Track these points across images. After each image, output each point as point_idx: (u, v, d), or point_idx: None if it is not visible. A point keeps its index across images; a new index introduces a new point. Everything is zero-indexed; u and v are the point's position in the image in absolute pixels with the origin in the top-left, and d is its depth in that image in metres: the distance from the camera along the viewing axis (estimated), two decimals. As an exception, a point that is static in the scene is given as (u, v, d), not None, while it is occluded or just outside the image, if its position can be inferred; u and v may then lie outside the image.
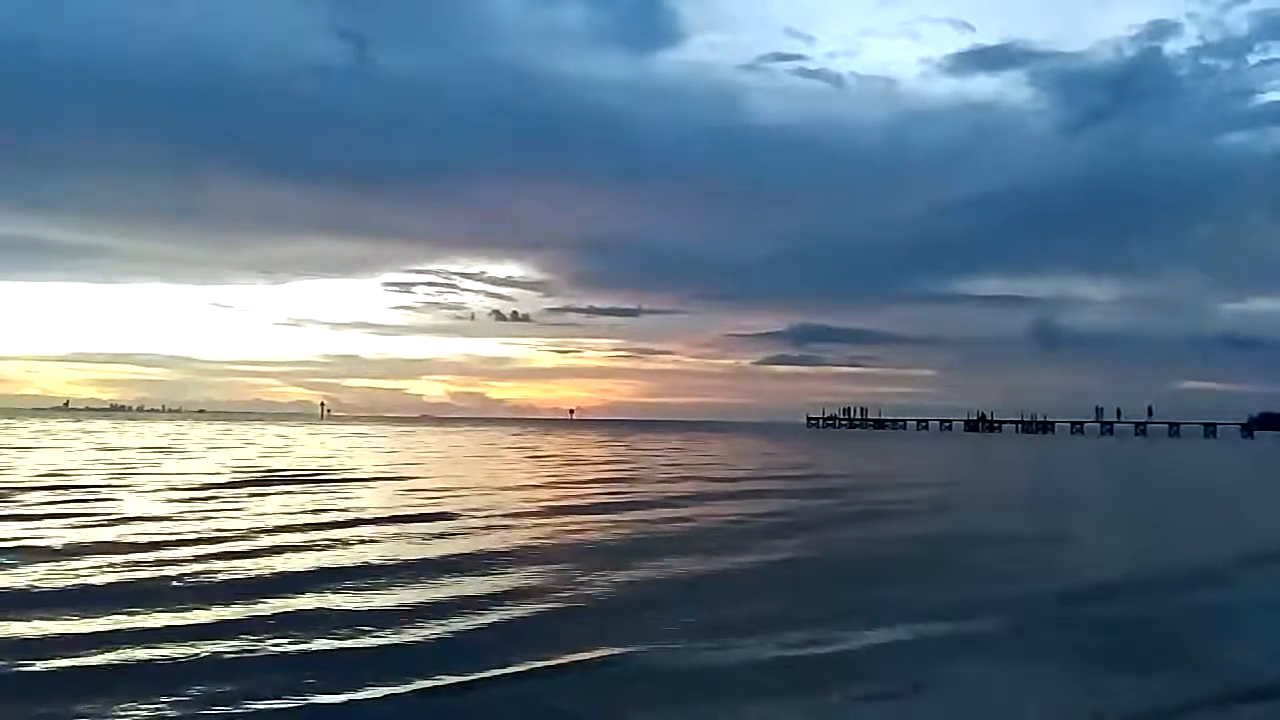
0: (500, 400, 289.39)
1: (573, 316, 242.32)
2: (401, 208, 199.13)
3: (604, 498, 18.26)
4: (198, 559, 10.19)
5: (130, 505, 15.38)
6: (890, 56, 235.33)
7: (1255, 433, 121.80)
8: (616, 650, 6.71)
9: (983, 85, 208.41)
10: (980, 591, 9.29)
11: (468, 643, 6.98)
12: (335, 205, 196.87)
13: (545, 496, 18.39)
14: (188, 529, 12.57)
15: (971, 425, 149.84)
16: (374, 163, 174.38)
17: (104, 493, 17.31)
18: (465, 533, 12.85)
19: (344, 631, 7.15)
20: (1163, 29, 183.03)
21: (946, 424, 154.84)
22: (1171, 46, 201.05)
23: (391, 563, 10.11)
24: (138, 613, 7.58)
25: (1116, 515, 18.52)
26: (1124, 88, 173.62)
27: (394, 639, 7.00)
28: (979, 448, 64.73)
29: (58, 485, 18.76)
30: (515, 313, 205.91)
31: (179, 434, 58.00)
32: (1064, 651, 7.08)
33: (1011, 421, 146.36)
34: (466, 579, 9.30)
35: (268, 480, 21.32)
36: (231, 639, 6.85)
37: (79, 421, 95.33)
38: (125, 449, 35.84)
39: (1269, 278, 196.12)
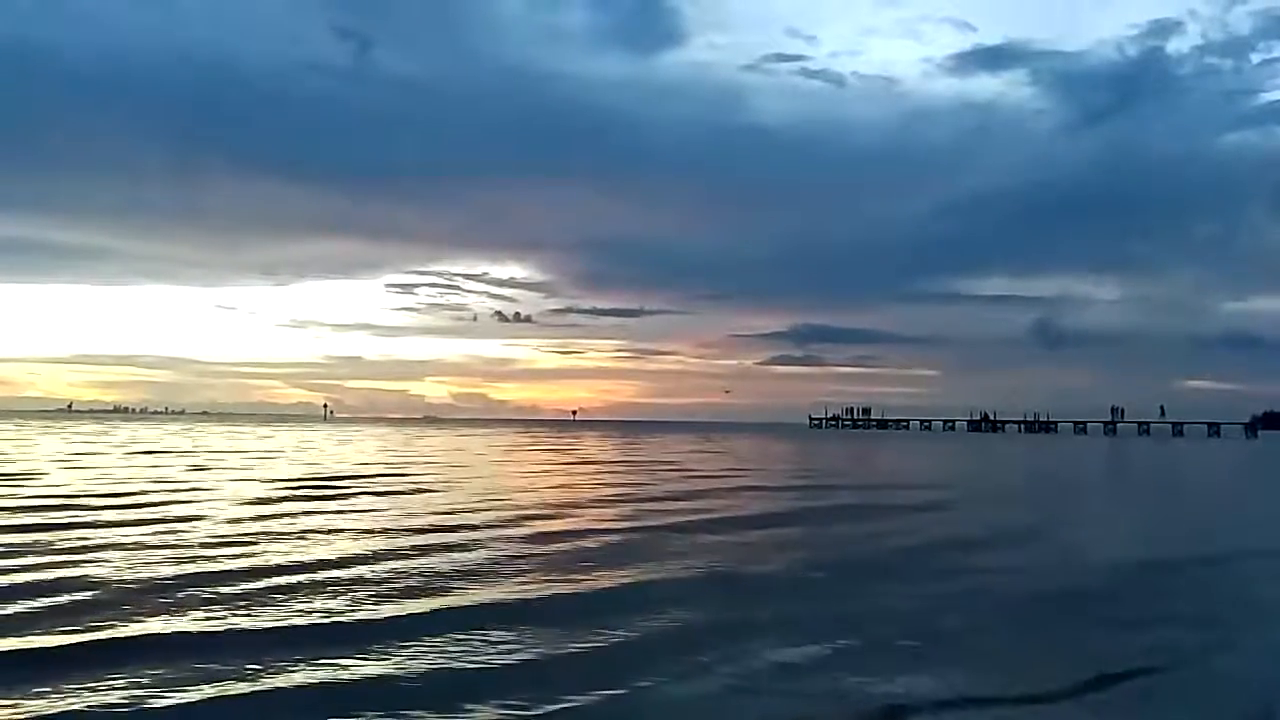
0: (503, 401, 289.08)
1: (575, 317, 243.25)
2: (403, 209, 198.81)
3: (701, 512, 17.85)
4: (340, 585, 9.62)
5: (214, 520, 14.80)
6: (892, 56, 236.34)
7: (1259, 432, 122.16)
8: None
9: (984, 85, 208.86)
10: None
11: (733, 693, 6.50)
12: (337, 206, 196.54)
13: (643, 509, 17.68)
14: (316, 549, 12.05)
15: (975, 425, 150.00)
16: (376, 163, 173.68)
17: (176, 508, 16.68)
18: (612, 549, 12.33)
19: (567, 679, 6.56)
20: (1164, 28, 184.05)
21: (950, 424, 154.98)
22: (1174, 45, 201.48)
23: (573, 594, 9.53)
24: (315, 655, 6.94)
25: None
26: (1126, 87, 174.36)
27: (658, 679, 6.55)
28: (1015, 449, 64.62)
29: (115, 493, 18.42)
30: (517, 314, 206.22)
31: (199, 436, 57.45)
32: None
33: (1014, 421, 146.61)
34: (675, 610, 8.69)
35: (340, 491, 20.88)
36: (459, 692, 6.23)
37: (88, 424, 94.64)
38: (158, 453, 35.50)
39: (1271, 276, 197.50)
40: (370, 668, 6.65)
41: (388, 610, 8.47)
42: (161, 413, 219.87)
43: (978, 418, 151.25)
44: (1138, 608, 9.43)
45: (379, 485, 22.45)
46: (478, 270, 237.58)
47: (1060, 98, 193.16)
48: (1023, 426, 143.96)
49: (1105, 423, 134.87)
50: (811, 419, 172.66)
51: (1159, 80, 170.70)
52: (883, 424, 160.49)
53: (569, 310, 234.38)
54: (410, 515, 15.95)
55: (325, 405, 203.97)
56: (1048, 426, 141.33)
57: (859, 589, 10.08)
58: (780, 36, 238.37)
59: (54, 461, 29.45)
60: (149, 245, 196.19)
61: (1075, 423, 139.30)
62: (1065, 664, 7.12)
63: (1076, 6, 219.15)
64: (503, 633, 7.63)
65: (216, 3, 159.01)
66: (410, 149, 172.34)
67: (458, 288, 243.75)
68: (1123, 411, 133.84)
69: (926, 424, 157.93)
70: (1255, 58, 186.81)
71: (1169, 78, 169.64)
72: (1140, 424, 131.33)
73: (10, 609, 8.12)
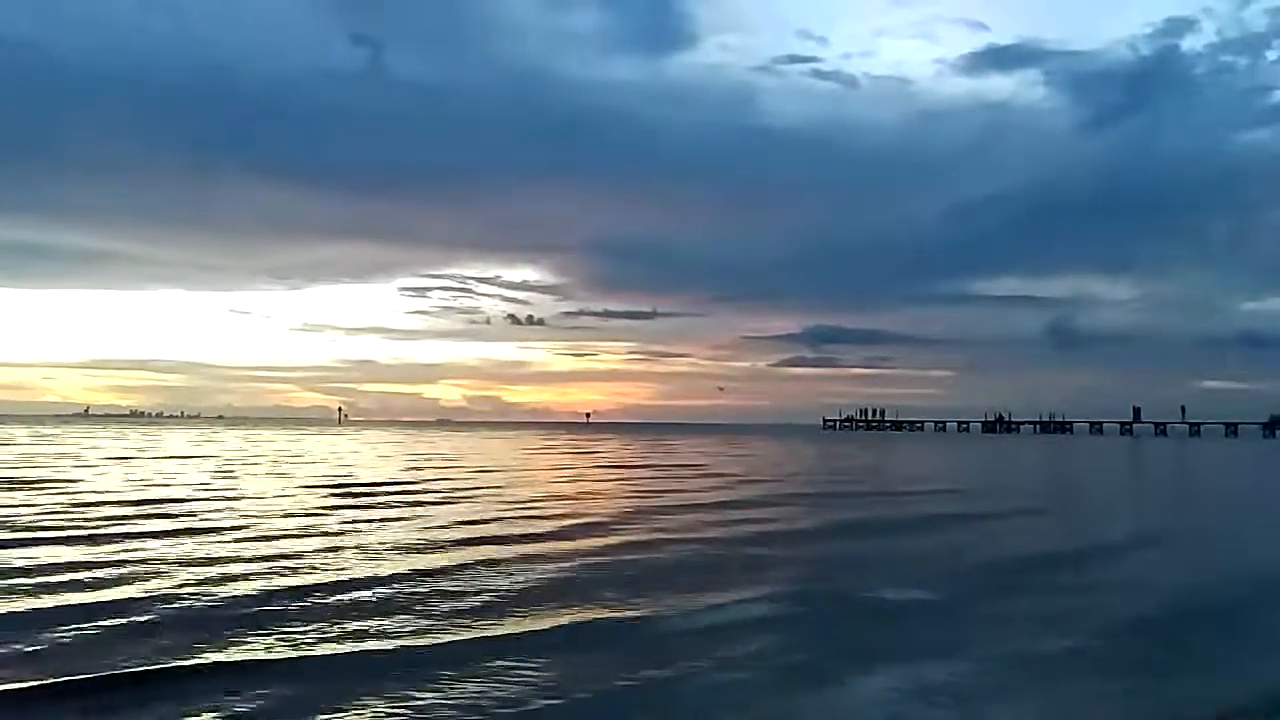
0: (516, 404, 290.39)
1: (587, 320, 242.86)
2: (416, 212, 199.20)
3: (762, 522, 17.42)
4: (409, 604, 9.31)
5: (258, 533, 14.49)
6: (904, 57, 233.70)
7: (1277, 432, 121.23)
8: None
9: (997, 85, 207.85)
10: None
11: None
12: (350, 210, 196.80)
13: (701, 520, 17.21)
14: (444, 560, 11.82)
15: (989, 426, 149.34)
16: (388, 167, 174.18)
17: (219, 518, 16.44)
18: (690, 563, 11.99)
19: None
20: (1179, 26, 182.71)
21: (964, 425, 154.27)
22: (1189, 43, 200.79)
23: (670, 614, 9.26)
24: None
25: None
26: (1140, 85, 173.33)
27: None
28: (1040, 450, 64.03)
29: (150, 499, 18.03)
30: (530, 316, 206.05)
31: (220, 441, 57.31)
32: None
33: (1029, 422, 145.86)
34: (782, 632, 8.55)
35: (379, 500, 20.56)
36: None
37: (107, 428, 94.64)
38: (184, 458, 35.12)
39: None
40: (456, 695, 6.36)
41: (478, 631, 8.14)
42: (177, 417, 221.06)
43: (992, 419, 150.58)
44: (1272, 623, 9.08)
45: (417, 494, 21.95)
46: (490, 273, 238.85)
47: (1074, 97, 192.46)
48: (1038, 427, 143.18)
49: (1122, 423, 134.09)
50: (825, 421, 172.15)
51: (1173, 79, 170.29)
52: (897, 425, 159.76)
53: (581, 313, 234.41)
54: (461, 525, 15.58)
55: (339, 409, 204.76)
56: (1063, 427, 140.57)
57: (974, 609, 9.69)
58: (792, 38, 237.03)
59: (83, 466, 29.28)
60: (163, 250, 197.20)
61: (1091, 423, 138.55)
62: (1230, 686, 6.80)
63: (1090, 5, 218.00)
64: (604, 655, 7.38)
65: (231, 9, 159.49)
66: (423, 153, 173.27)
67: (470, 291, 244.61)
68: (1139, 412, 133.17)
69: (941, 425, 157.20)
70: (1271, 55, 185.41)
71: (1183, 76, 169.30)
72: (1157, 424, 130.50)
73: (78, 631, 7.84)
